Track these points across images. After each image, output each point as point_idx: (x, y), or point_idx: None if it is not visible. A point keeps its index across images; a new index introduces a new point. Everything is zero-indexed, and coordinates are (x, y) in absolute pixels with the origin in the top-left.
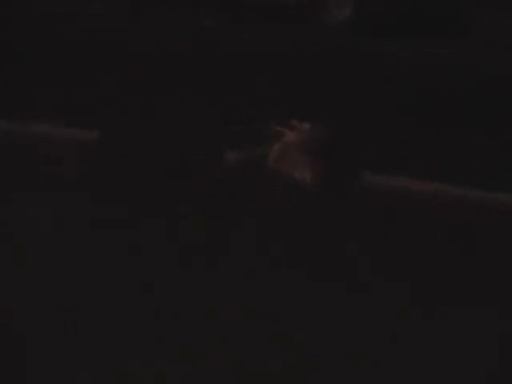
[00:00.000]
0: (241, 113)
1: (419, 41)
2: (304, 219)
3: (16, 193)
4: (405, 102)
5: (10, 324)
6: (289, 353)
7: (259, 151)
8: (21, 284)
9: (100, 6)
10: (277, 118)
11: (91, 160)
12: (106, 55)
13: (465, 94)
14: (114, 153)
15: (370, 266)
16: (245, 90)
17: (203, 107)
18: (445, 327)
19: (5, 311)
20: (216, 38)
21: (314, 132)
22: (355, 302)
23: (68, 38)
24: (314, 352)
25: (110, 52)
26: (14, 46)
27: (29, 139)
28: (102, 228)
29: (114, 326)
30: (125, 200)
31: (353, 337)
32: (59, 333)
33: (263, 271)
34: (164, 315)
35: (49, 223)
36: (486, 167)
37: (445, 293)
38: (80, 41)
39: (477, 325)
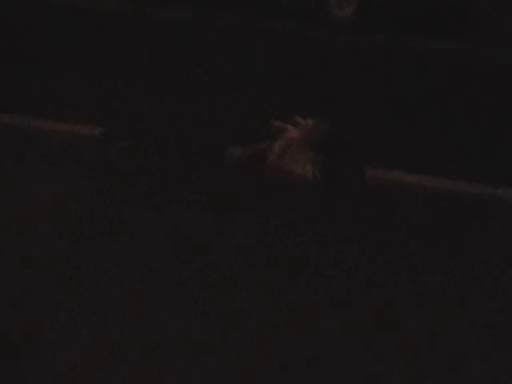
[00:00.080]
0: (245, 109)
1: (422, 37)
2: (306, 213)
3: (15, 188)
4: (407, 98)
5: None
6: (292, 349)
7: (262, 147)
8: (21, 284)
9: (101, 3)
10: (280, 115)
11: (95, 154)
12: (109, 51)
13: (465, 92)
14: (118, 148)
15: (369, 264)
16: (248, 86)
17: (208, 103)
18: (437, 315)
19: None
20: (222, 34)
21: (317, 128)
22: (355, 298)
23: (69, 32)
24: (314, 352)
25: (113, 48)
26: (15, 43)
27: (30, 134)
28: (101, 226)
29: (114, 326)
30: (127, 195)
31: (353, 328)
32: (59, 333)
33: (263, 268)
34: (164, 314)
35: (49, 220)
36: (479, 162)
37: (437, 279)
38: (82, 36)
39: (468, 310)
